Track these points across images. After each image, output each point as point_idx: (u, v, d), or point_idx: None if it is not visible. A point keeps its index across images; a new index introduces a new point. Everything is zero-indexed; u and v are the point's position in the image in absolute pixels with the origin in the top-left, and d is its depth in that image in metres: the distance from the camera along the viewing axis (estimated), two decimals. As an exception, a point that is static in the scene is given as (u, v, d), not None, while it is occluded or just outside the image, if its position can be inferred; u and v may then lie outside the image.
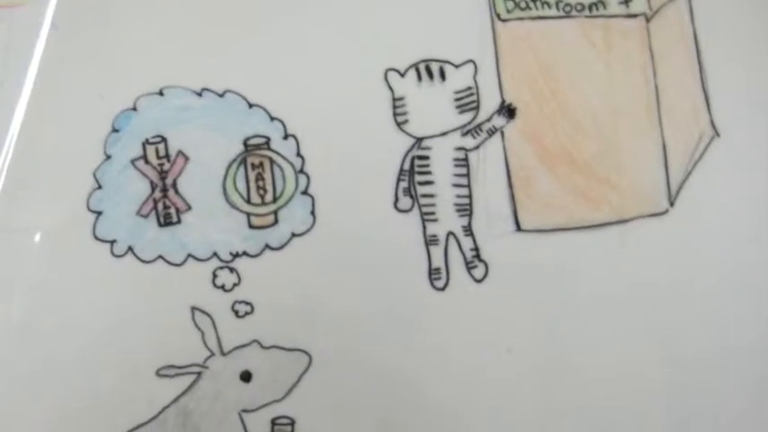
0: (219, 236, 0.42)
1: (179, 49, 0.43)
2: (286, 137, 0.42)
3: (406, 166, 0.42)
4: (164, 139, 0.42)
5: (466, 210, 0.43)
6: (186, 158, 0.42)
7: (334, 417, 0.42)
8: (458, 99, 0.43)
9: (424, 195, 0.42)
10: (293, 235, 0.42)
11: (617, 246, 0.43)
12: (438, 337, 0.42)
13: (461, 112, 0.43)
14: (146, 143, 0.42)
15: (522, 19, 0.43)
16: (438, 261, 0.42)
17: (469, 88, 0.43)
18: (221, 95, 0.42)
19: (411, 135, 0.42)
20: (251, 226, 0.42)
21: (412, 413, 0.42)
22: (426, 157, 0.43)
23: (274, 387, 0.42)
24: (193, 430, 0.42)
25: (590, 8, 0.43)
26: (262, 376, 0.42)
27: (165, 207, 0.42)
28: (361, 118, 0.42)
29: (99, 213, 0.42)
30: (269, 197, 0.42)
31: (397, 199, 0.42)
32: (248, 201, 0.42)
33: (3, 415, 0.42)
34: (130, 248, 0.42)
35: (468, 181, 0.43)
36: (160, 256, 0.42)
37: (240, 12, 0.43)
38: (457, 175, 0.43)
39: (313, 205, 0.42)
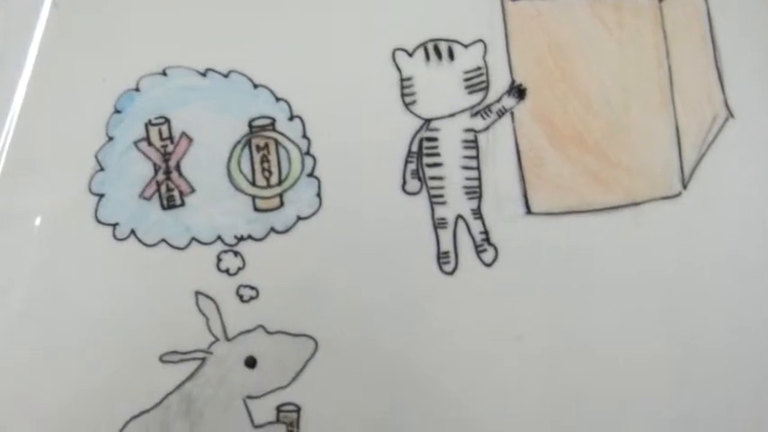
0: (224, 219, 0.41)
1: (183, 28, 0.42)
2: (292, 118, 0.42)
3: (414, 148, 0.42)
4: (167, 121, 0.41)
5: (475, 192, 0.42)
6: (190, 140, 0.41)
7: (341, 403, 0.41)
8: (467, 79, 0.42)
9: (433, 178, 0.42)
10: (299, 218, 0.41)
11: (629, 229, 0.42)
12: (446, 322, 0.42)
13: (470, 92, 0.42)
14: (149, 124, 0.41)
15: (532, -2, 0.43)
16: (447, 245, 0.42)
17: (479, 68, 0.42)
18: (226, 76, 0.41)
19: (419, 116, 0.42)
20: (256, 209, 0.41)
21: (420, 400, 0.42)
22: (435, 139, 0.42)
23: (280, 373, 0.41)
24: (197, 417, 0.41)
25: (601, -13, 0.43)
26: (267, 362, 0.41)
27: (169, 189, 0.41)
28: (369, 99, 0.42)
29: (101, 196, 0.41)
30: (274, 179, 0.41)
31: (404, 181, 0.42)
32: (253, 183, 0.41)
33: (3, 403, 0.41)
34: (133, 232, 0.41)
35: (478, 163, 0.42)
36: (163, 240, 0.41)
37: (245, -9, 0.42)
38: (466, 156, 0.42)
39: (319, 188, 0.41)
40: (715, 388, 0.43)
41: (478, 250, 0.42)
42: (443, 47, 0.42)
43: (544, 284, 0.42)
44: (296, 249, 0.41)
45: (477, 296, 0.42)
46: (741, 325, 0.43)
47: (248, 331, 0.41)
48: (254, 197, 0.41)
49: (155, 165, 0.41)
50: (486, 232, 0.42)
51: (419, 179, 0.42)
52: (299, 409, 0.41)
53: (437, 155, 0.42)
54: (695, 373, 0.43)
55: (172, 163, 0.41)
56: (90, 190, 0.41)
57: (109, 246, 0.41)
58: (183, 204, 0.41)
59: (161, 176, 0.41)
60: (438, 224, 0.42)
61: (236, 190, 0.41)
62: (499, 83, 0.42)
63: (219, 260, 0.41)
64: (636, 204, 0.42)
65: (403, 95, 0.42)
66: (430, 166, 0.42)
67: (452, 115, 0.42)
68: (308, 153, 0.42)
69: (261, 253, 0.41)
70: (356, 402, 0.41)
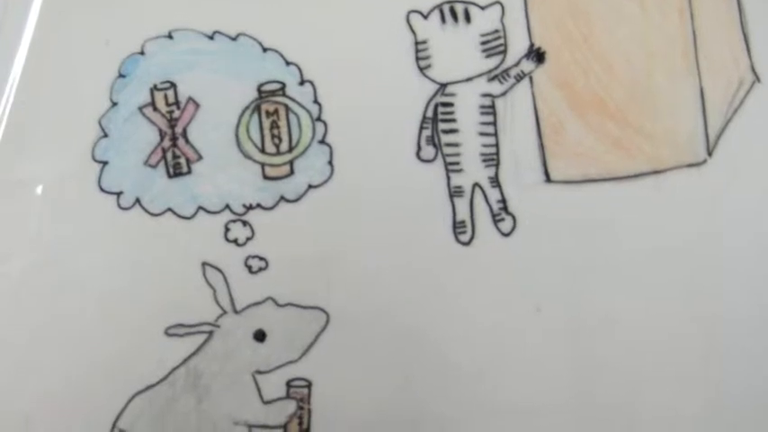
0: (232, 187, 0.40)
1: (189, -11, 0.41)
2: (302, 82, 0.41)
3: (429, 114, 0.41)
4: (173, 85, 0.40)
5: (492, 160, 0.41)
6: (197, 105, 0.40)
7: (353, 378, 0.41)
8: (484, 42, 0.41)
9: (449, 144, 0.41)
10: (310, 186, 0.41)
11: (651, 197, 0.41)
12: (463, 294, 0.41)
13: (488, 56, 0.41)
14: (154, 89, 0.40)
15: (551, -41, 0.42)
16: (463, 214, 0.41)
17: (496, 31, 0.41)
18: (234, 39, 0.41)
19: (434, 81, 0.41)
20: (265, 177, 0.40)
21: (435, 374, 0.41)
22: (450, 104, 0.41)
23: (290, 347, 0.41)
24: (204, 392, 0.41)
25: (623, -52, 0.42)
26: (276, 335, 0.40)
27: (175, 157, 0.40)
28: (382, 62, 0.41)
29: (104, 163, 0.40)
30: (284, 146, 0.41)
31: (419, 148, 0.41)
32: (262, 150, 0.40)
33: (3, 377, 0.40)
34: (138, 200, 0.40)
35: (495, 129, 0.41)
36: (169, 209, 0.40)
37: (253, -49, 0.41)
38: (483, 123, 0.41)
39: (331, 155, 0.41)
40: (740, 361, 0.41)
41: (496, 220, 0.41)
42: (460, 8, 0.41)
43: (563, 255, 0.41)
44: (307, 219, 0.40)
45: (494, 267, 0.41)
46: (766, 297, 0.42)
47: (257, 303, 0.40)
48: (263, 165, 0.41)
49: (160, 131, 0.40)
50: (503, 201, 0.41)
51: (434, 146, 0.41)
52: (309, 385, 0.41)
53: (453, 121, 0.41)
54: (720, 346, 0.41)
55: (178, 129, 0.40)
56: (93, 157, 0.40)
57: (113, 215, 0.40)
58: (189, 172, 0.40)
59: (167, 143, 0.40)
60: (454, 193, 0.41)
61: (244, 157, 0.40)
62: (517, 46, 0.41)
63: (227, 230, 0.40)
64: (659, 172, 0.41)
65: (417, 59, 0.41)
66: (445, 132, 0.41)
67: (469, 80, 0.41)
68: (319, 119, 0.41)
69: (270, 222, 0.40)
70: (369, 377, 0.41)
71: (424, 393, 0.41)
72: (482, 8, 0.41)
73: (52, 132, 0.40)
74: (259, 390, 0.41)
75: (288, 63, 0.40)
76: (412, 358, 0.41)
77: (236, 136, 0.40)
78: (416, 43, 0.41)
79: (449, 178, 0.41)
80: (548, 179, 0.41)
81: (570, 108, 0.41)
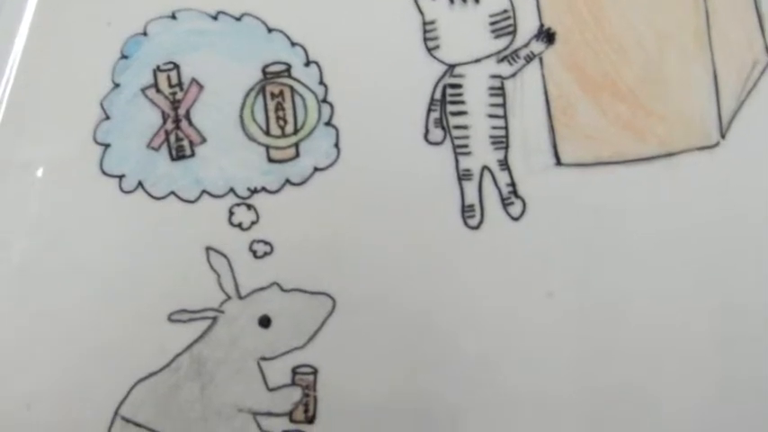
0: (236, 170, 0.40)
1: (193, -32, 0.40)
2: (308, 63, 0.40)
3: (438, 96, 0.40)
4: (176, 66, 0.40)
5: (502, 142, 0.40)
6: (200, 87, 0.40)
7: (360, 365, 0.40)
8: (493, 23, 0.40)
9: (457, 127, 0.40)
10: (316, 169, 0.40)
11: (664, 181, 0.40)
12: (471, 279, 0.40)
13: (497, 36, 0.40)
14: (157, 70, 0.40)
15: (561, -63, 0.41)
16: (472, 197, 0.40)
17: (506, 11, 0.40)
18: (238, 19, 0.40)
19: (442, 62, 0.40)
20: (270, 160, 0.40)
21: (444, 361, 0.40)
22: (459, 86, 0.40)
23: (295, 333, 0.40)
24: (208, 379, 0.40)
25: (634, -75, 0.41)
26: (282, 321, 0.40)
27: (178, 139, 0.40)
28: (389, 43, 0.40)
29: (106, 146, 0.40)
30: (289, 128, 0.40)
31: (427, 131, 0.40)
32: (267, 132, 0.40)
33: (4, 364, 0.40)
34: (140, 184, 0.40)
35: (505, 111, 0.40)
36: (172, 192, 0.40)
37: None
38: (492, 104, 0.40)
39: (337, 137, 0.40)
40: (755, 347, 0.41)
41: (505, 203, 0.40)
42: (469, -12, 0.40)
43: (574, 239, 0.40)
44: (312, 202, 0.40)
45: (503, 252, 0.40)
46: (783, 283, 0.41)
47: (262, 289, 0.40)
48: (268, 147, 0.40)
49: (163, 113, 0.40)
50: (513, 184, 0.40)
51: (442, 128, 0.40)
52: (315, 372, 0.40)
53: (462, 102, 0.40)
54: (734, 332, 0.41)
55: (181, 111, 0.40)
56: (95, 139, 0.40)
57: (115, 198, 0.40)
58: (193, 155, 0.40)
59: (170, 125, 0.40)
60: (462, 176, 0.40)
61: (249, 140, 0.40)
62: (527, 26, 0.40)
63: (232, 214, 0.40)
64: (671, 155, 0.40)
65: (425, 40, 0.40)
66: (454, 114, 0.40)
67: (478, 61, 0.40)
68: (325, 101, 0.40)
69: (275, 206, 0.40)
70: (376, 364, 0.40)
71: (433, 380, 0.40)
72: (491, -13, 0.40)
73: (53, 114, 0.40)
74: (264, 377, 0.40)
75: (293, 44, 0.40)
76: (420, 345, 0.40)
77: (241, 118, 0.40)
78: (424, 23, 0.40)
79: (457, 161, 0.40)
80: (558, 162, 0.40)
81: (581, 90, 0.40)
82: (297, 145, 0.40)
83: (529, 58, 0.40)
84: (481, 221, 0.40)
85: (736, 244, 0.41)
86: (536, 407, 0.40)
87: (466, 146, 0.40)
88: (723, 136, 0.41)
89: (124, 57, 0.40)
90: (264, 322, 0.40)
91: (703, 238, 0.41)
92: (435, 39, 0.40)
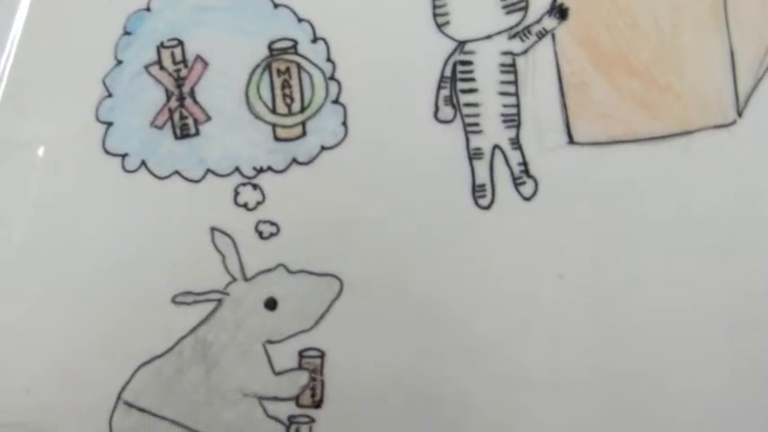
0: (242, 149, 0.39)
1: (197, -59, 0.40)
2: (315, 40, 0.39)
3: (448, 73, 0.39)
4: (180, 43, 0.39)
5: (513, 120, 0.39)
6: (205, 64, 0.39)
7: (368, 348, 0.39)
8: (504, -2, 0.40)
9: (468, 105, 0.39)
10: (323, 148, 0.39)
11: (679, 160, 0.39)
12: (483, 260, 0.39)
13: (508, 12, 0.39)
14: (161, 47, 0.39)
15: None
16: (483, 177, 0.39)
17: (517, -14, 0.40)
18: (244, -6, 0.40)
19: (453, 38, 0.39)
20: (276, 138, 0.39)
21: (454, 345, 0.39)
22: (470, 63, 0.39)
23: (302, 316, 0.39)
24: (213, 363, 0.39)
25: None
26: (288, 304, 0.39)
27: (182, 117, 0.39)
28: (398, 19, 0.39)
29: (109, 124, 0.39)
30: (296, 106, 0.39)
31: (437, 109, 0.39)
32: (273, 110, 0.39)
33: (3, 348, 0.40)
34: (144, 163, 0.39)
35: (516, 89, 0.39)
36: (176, 172, 0.39)
37: None
38: (503, 82, 0.39)
39: (345, 115, 0.39)
40: (772, 333, 0.40)
41: (517, 183, 0.40)
42: (479, -38, 0.40)
43: (587, 219, 0.39)
44: (320, 182, 0.39)
45: (515, 232, 0.39)
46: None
47: (268, 270, 0.39)
48: (274, 126, 0.39)
49: (167, 91, 0.39)
50: (525, 163, 0.40)
51: (453, 106, 0.39)
52: (323, 355, 0.40)
53: (472, 80, 0.39)
54: (749, 315, 0.40)
55: (185, 89, 0.39)
56: (97, 118, 0.39)
57: (117, 178, 0.39)
58: (197, 133, 0.39)
59: (174, 103, 0.39)
60: (473, 155, 0.39)
61: (254, 118, 0.39)
62: (539, 2, 0.40)
63: (237, 194, 0.39)
64: (686, 133, 0.40)
65: (435, 15, 0.39)
66: (464, 92, 0.39)
67: (489, 37, 0.39)
68: (332, 78, 0.39)
69: (282, 186, 0.39)
70: (385, 347, 0.39)
71: (442, 364, 0.39)
72: (502, -38, 0.40)
73: (54, 92, 0.39)
74: (270, 360, 0.39)
75: (300, 20, 0.39)
76: (429, 328, 0.39)
77: (246, 96, 0.39)
78: (434, -1, 0.40)
79: (468, 140, 0.39)
80: (571, 141, 0.39)
81: (594, 67, 0.39)
82: (304, 123, 0.39)
83: (541, 35, 0.39)
84: (492, 202, 0.39)
85: (752, 225, 0.40)
86: (547, 391, 0.39)
87: (477, 124, 0.39)
88: (740, 114, 0.40)
89: (127, 33, 0.39)
90: (270, 305, 0.39)
91: (719, 218, 0.40)
92: (445, 14, 0.39)
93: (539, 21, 0.39)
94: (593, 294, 0.39)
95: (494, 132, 0.39)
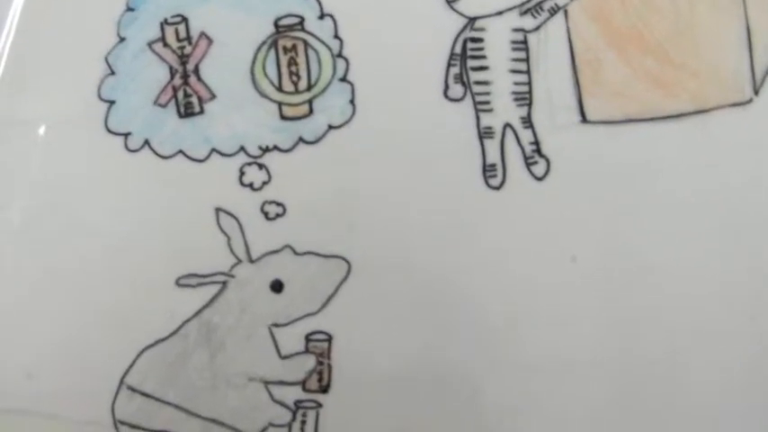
0: (247, 128, 0.39)
1: None
2: (322, 16, 0.39)
3: (458, 50, 0.39)
4: (184, 19, 0.39)
5: (525, 99, 0.39)
6: (210, 41, 0.39)
7: (376, 332, 0.39)
8: (516, -27, 0.39)
9: (478, 83, 0.39)
10: (330, 127, 0.39)
11: (695, 139, 0.39)
12: (493, 242, 0.39)
13: (519, -12, 0.39)
14: (164, 23, 0.39)
15: None
16: (493, 156, 0.39)
17: (529, -39, 0.39)
18: (249, -31, 0.39)
19: (463, 14, 0.39)
20: (283, 117, 0.39)
21: (464, 328, 0.39)
22: (480, 40, 0.39)
23: (309, 298, 0.39)
24: (218, 346, 0.39)
25: None
26: (295, 286, 0.39)
27: (186, 95, 0.39)
28: (407, -5, 0.39)
29: (111, 103, 0.39)
30: (303, 84, 0.39)
31: (447, 87, 0.39)
32: (280, 88, 0.39)
33: (3, 331, 0.39)
34: (147, 142, 0.39)
35: (528, 66, 0.39)
36: (180, 151, 0.39)
37: None
38: (515, 59, 0.39)
39: (352, 93, 0.39)
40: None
41: (528, 162, 0.39)
42: (489, -64, 0.39)
43: (601, 200, 0.39)
44: (327, 161, 0.39)
45: (526, 213, 0.39)
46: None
47: (274, 252, 0.39)
48: (280, 104, 0.39)
49: (171, 68, 0.39)
50: (536, 143, 0.39)
51: (463, 84, 0.39)
52: (330, 339, 0.39)
53: (483, 57, 0.39)
54: (766, 296, 0.39)
55: (190, 66, 0.39)
56: (99, 96, 0.39)
57: (120, 157, 0.39)
58: (202, 112, 0.39)
59: (178, 81, 0.39)
60: (484, 134, 0.39)
61: (260, 96, 0.39)
62: (551, -23, 0.39)
63: (242, 173, 0.39)
64: (702, 112, 0.39)
65: (445, -9, 0.39)
66: (475, 69, 0.39)
67: (500, 13, 0.39)
68: (340, 55, 0.39)
69: (288, 165, 0.39)
70: (393, 331, 0.39)
71: (452, 348, 0.39)
72: (513, -64, 0.39)
73: (56, 69, 0.39)
74: (276, 344, 0.39)
75: (307, -5, 0.39)
76: (439, 310, 0.39)
77: (252, 73, 0.39)
78: (444, -26, 0.39)
79: (478, 118, 0.39)
80: (584, 119, 0.39)
81: (607, 43, 0.39)
82: (310, 101, 0.39)
83: (553, 11, 0.39)
84: (503, 182, 0.39)
85: (770, 205, 0.39)
86: (559, 375, 0.39)
87: (487, 102, 0.39)
88: (756, 92, 0.39)
89: (130, 9, 0.39)
90: (277, 287, 0.39)
91: (735, 198, 0.39)
92: (455, -10, 0.39)
93: (551, -4, 0.39)
94: (607, 277, 0.39)
95: (505, 111, 0.39)
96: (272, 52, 0.39)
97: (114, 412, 0.39)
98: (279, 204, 0.39)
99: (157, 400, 0.39)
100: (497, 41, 0.39)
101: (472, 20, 0.39)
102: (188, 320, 0.39)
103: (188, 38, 0.39)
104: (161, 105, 0.39)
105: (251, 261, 0.39)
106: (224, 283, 0.39)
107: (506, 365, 0.39)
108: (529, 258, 0.39)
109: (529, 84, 0.39)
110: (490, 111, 0.39)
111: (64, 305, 0.39)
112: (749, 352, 0.39)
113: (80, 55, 0.39)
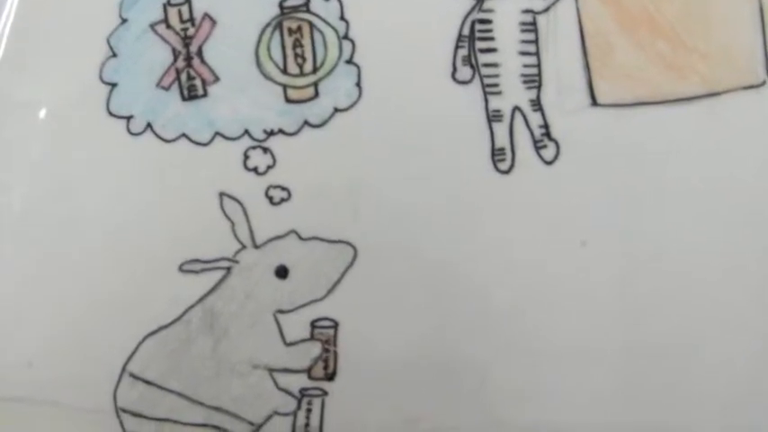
0: (251, 111, 0.38)
1: None
2: None
3: (466, 31, 0.38)
4: (187, 0, 0.38)
5: (534, 81, 0.38)
6: (213, 22, 0.38)
7: (383, 318, 0.38)
8: (525, -47, 0.39)
9: (487, 65, 0.38)
10: (336, 110, 0.38)
11: (706, 122, 0.38)
12: (502, 227, 0.38)
13: (529, -32, 0.39)
14: (167, 5, 0.39)
15: None
16: (502, 140, 0.38)
17: (538, -59, 0.39)
18: (253, -50, 0.39)
19: (471, -5, 0.39)
20: (288, 100, 0.38)
21: (471, 314, 0.38)
22: (489, 21, 0.38)
23: (314, 284, 0.38)
24: (222, 333, 0.38)
25: None
26: (300, 272, 0.38)
27: (190, 78, 0.38)
28: (414, -25, 0.39)
29: (114, 85, 0.38)
30: (308, 67, 0.38)
31: (455, 69, 0.38)
32: (284, 71, 0.38)
33: (3, 318, 0.38)
34: (149, 125, 0.38)
35: (537, 48, 0.38)
36: (183, 135, 0.38)
37: None
38: (524, 41, 0.38)
39: (359, 76, 0.38)
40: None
41: (538, 146, 0.38)
42: None
43: (611, 184, 0.38)
44: (332, 145, 0.38)
45: (535, 198, 0.38)
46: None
47: (279, 237, 0.38)
48: (285, 87, 0.38)
49: (174, 50, 0.39)
50: (546, 126, 0.38)
51: (471, 66, 0.38)
52: (336, 325, 0.38)
53: (491, 39, 0.38)
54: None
55: (193, 48, 0.38)
56: (101, 78, 0.39)
57: (122, 141, 0.38)
58: (205, 95, 0.39)
59: (181, 63, 0.38)
60: (492, 117, 0.38)
61: (265, 78, 0.38)
62: (561, -42, 0.39)
63: (247, 157, 0.38)
64: (714, 95, 0.38)
65: (453, -28, 0.38)
66: (483, 51, 0.38)
67: (509, -6, 0.39)
68: (346, 37, 0.38)
69: (293, 149, 0.38)
70: (400, 317, 0.38)
71: (460, 334, 0.38)
72: None
73: (57, 51, 0.38)
74: (281, 331, 0.38)
75: (312, -24, 0.39)
76: (446, 296, 0.38)
77: (256, 55, 0.38)
78: (451, -46, 0.38)
79: (487, 101, 0.38)
80: (594, 102, 0.38)
81: (618, 25, 0.38)
82: (316, 84, 0.38)
83: (563, -8, 0.39)
84: (512, 165, 0.38)
85: (783, 189, 0.39)
86: (569, 361, 0.38)
87: (496, 85, 0.38)
88: (769, 74, 0.39)
89: (132, -10, 0.39)
90: (281, 273, 0.38)
91: (749, 182, 0.38)
92: (463, -29, 0.38)
93: (561, -23, 0.39)
94: (617, 261, 0.38)
95: (514, 93, 0.38)
96: (277, 34, 0.38)
97: (116, 400, 0.38)
98: (284, 189, 0.38)
99: (160, 387, 0.38)
100: (506, 23, 0.38)
101: (480, 1, 0.38)
102: (191, 307, 0.38)
103: (191, 19, 0.38)
104: (164, 88, 0.38)
105: (255, 246, 0.38)
106: (228, 269, 0.38)
107: (514, 351, 0.38)
108: (538, 243, 0.38)
109: (538, 66, 0.38)
110: (499, 93, 0.38)
111: (65, 292, 0.38)
112: (760, 337, 0.39)
113: (81, 37, 0.38)
